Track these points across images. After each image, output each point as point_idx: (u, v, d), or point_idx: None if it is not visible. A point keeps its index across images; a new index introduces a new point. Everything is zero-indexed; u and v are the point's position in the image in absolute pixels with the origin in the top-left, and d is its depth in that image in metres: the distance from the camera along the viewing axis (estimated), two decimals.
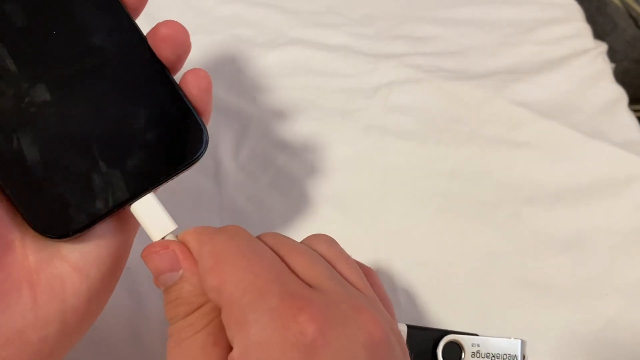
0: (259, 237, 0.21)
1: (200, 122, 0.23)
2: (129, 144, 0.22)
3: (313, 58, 0.43)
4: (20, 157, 0.20)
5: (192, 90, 0.22)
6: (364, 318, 0.18)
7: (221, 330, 0.18)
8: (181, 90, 0.23)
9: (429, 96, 0.42)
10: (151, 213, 0.21)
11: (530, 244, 0.35)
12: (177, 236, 0.21)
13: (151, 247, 0.20)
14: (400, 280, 0.33)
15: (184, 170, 0.23)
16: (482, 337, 0.29)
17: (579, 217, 0.36)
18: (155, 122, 0.22)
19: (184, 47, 0.22)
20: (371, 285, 0.22)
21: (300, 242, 0.22)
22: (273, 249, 0.20)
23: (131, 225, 0.23)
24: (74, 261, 0.21)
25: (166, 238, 0.21)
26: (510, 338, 0.29)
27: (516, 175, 0.38)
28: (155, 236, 0.21)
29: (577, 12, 0.48)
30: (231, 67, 0.42)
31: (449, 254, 0.34)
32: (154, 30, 0.22)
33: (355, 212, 0.36)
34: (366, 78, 0.42)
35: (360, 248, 0.35)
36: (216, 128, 0.39)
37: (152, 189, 0.22)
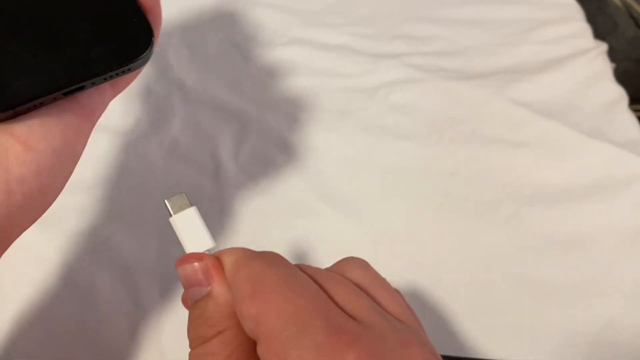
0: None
1: (147, 21, 0.22)
2: (70, 31, 0.21)
3: (313, 58, 0.43)
4: None
5: None
6: (413, 354, 0.17)
7: (247, 352, 0.18)
8: None
9: (429, 96, 0.42)
10: (190, 227, 0.21)
11: (531, 244, 0.35)
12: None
13: (186, 257, 0.20)
14: (401, 280, 0.33)
15: (125, 68, 0.21)
16: None
17: (579, 217, 0.36)
18: (97, 11, 0.21)
19: None
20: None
21: (332, 266, 0.21)
22: (312, 278, 0.19)
23: (88, 111, 0.22)
24: (18, 134, 0.20)
25: None
26: None
27: (516, 175, 0.38)
28: (190, 251, 0.21)
29: (578, 12, 0.48)
30: (231, 67, 0.42)
31: (449, 254, 0.34)
32: None
33: (355, 212, 0.36)
34: (366, 78, 0.42)
35: (360, 248, 0.35)
36: (216, 128, 0.39)
37: (87, 82, 0.21)
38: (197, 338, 0.18)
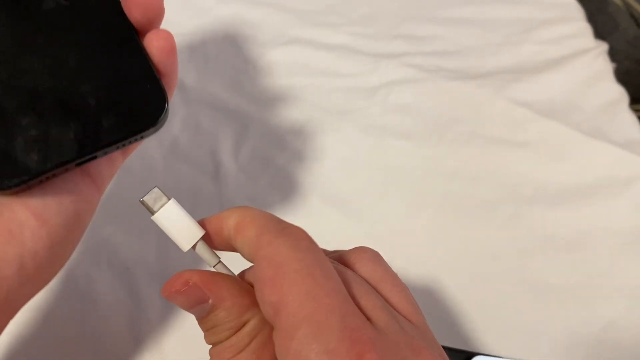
0: None
1: (162, 89, 0.21)
2: (81, 102, 0.20)
3: (313, 58, 0.43)
4: None
5: (153, 51, 0.22)
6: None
7: (265, 346, 0.18)
8: (145, 54, 0.21)
9: (430, 96, 0.42)
10: (175, 220, 0.20)
11: (531, 244, 0.35)
12: (226, 213, 0.20)
13: (170, 285, 0.19)
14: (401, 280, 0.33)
15: (138, 136, 0.21)
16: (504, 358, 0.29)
17: (579, 217, 0.36)
18: (111, 83, 0.21)
19: (157, 9, 0.22)
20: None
21: (341, 257, 0.21)
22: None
23: (98, 182, 0.23)
24: (33, 208, 0.20)
25: (197, 246, 0.20)
26: None
27: (517, 175, 0.38)
28: (184, 246, 0.20)
29: (578, 11, 0.48)
30: (231, 66, 0.42)
31: (450, 254, 0.34)
32: None
33: (355, 212, 0.36)
34: (366, 78, 0.42)
35: None
36: (216, 128, 0.39)
37: (100, 152, 0.21)
38: (217, 341, 0.18)
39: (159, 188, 0.20)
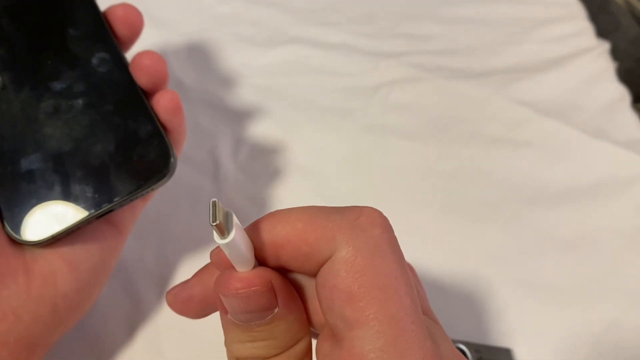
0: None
1: (167, 144, 0.24)
2: (95, 161, 0.23)
3: (313, 57, 0.43)
4: None
5: (160, 111, 0.24)
6: None
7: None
8: (152, 111, 0.24)
9: (430, 95, 0.41)
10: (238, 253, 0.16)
11: (532, 244, 0.35)
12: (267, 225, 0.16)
13: (239, 281, 0.15)
14: None
15: (148, 189, 0.23)
16: (484, 344, 0.29)
17: (581, 217, 0.36)
18: (122, 141, 0.23)
19: (161, 75, 0.24)
20: (417, 285, 0.19)
21: (339, 212, 0.18)
22: None
23: (121, 228, 0.25)
24: (64, 255, 0.23)
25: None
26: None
27: (518, 175, 0.38)
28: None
29: (580, 10, 0.48)
30: (231, 66, 0.42)
31: (450, 254, 0.34)
32: (134, 58, 0.24)
33: None
34: (366, 77, 0.42)
35: None
36: (216, 128, 0.39)
37: (116, 206, 0.23)
38: (259, 356, 0.16)
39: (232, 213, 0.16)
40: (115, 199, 0.23)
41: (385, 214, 0.37)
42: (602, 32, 0.48)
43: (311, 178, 0.37)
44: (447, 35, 0.45)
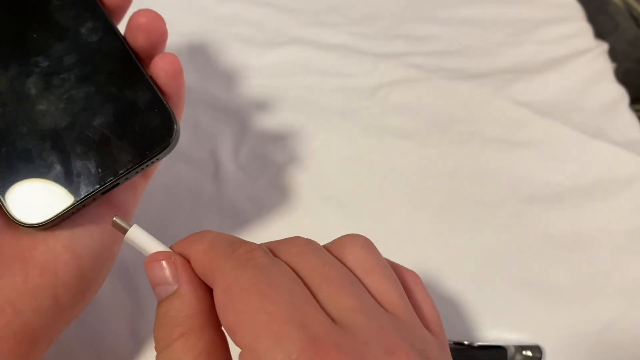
0: (275, 247, 0.19)
1: (169, 110, 0.22)
2: (95, 135, 0.22)
3: (313, 57, 0.43)
4: None
5: (160, 74, 0.23)
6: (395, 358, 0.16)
7: (214, 353, 0.17)
8: (150, 77, 0.23)
9: (430, 96, 0.41)
10: (143, 241, 0.20)
11: (531, 244, 0.35)
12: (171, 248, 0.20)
13: (155, 255, 0.19)
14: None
15: (153, 159, 0.22)
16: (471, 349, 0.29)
17: (580, 217, 0.36)
18: (122, 111, 0.22)
19: (159, 34, 0.23)
20: (415, 293, 0.20)
21: (333, 241, 0.20)
22: (293, 267, 0.18)
23: (123, 211, 0.24)
24: (65, 241, 0.22)
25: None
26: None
27: (517, 175, 0.38)
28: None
29: (578, 11, 0.48)
30: (231, 66, 0.42)
31: (450, 254, 0.34)
32: (129, 19, 0.23)
33: (355, 212, 0.36)
34: (366, 78, 0.42)
35: None
36: (216, 128, 0.39)
37: (120, 179, 0.22)
38: (161, 339, 0.18)
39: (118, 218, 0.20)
40: (120, 172, 0.22)
41: (384, 213, 0.38)
42: (600, 33, 0.48)
43: (311, 178, 0.37)
44: (446, 36, 0.46)
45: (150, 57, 0.23)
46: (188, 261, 0.19)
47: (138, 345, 0.30)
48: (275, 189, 0.36)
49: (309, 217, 0.35)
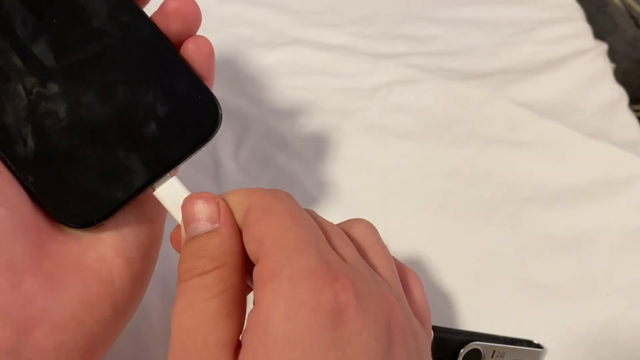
0: None
1: (212, 96, 0.22)
2: (142, 126, 0.21)
3: (313, 58, 0.43)
4: (35, 151, 0.20)
5: (195, 58, 0.22)
6: (387, 304, 0.18)
7: (235, 304, 0.18)
8: (189, 65, 0.22)
9: (429, 96, 0.42)
10: (175, 197, 0.21)
11: (531, 244, 0.35)
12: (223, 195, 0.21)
13: (199, 194, 0.20)
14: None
15: (200, 147, 0.22)
16: (503, 345, 0.29)
17: (579, 217, 0.36)
18: (166, 101, 0.22)
19: (194, 18, 0.22)
20: (411, 286, 0.22)
21: (341, 223, 0.22)
22: (315, 220, 0.20)
23: (162, 208, 0.23)
24: (115, 244, 0.21)
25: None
26: (531, 348, 0.29)
27: (516, 175, 0.38)
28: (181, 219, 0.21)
29: (578, 12, 0.48)
30: (231, 67, 0.42)
31: (449, 254, 0.34)
32: (162, 5, 0.22)
33: (355, 212, 0.36)
34: (366, 78, 0.42)
35: None
36: None
37: (171, 170, 0.21)
38: (192, 269, 0.18)
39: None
40: (172, 162, 0.21)
41: (384, 213, 0.38)
42: (600, 33, 0.48)
43: (311, 178, 0.37)
44: (446, 37, 0.46)
45: (180, 42, 0.23)
46: (227, 205, 0.20)
47: (138, 345, 0.30)
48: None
49: None
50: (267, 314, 0.16)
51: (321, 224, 0.20)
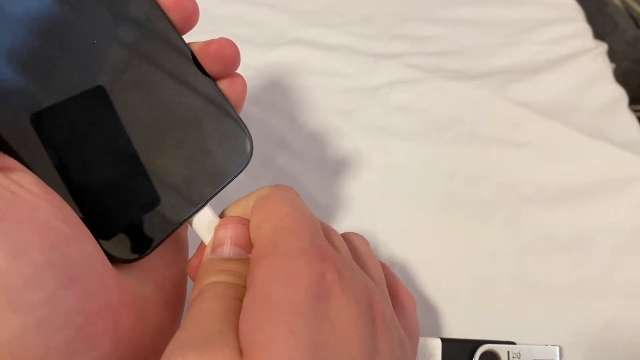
0: None
1: (245, 129, 0.23)
2: (186, 166, 0.22)
3: (313, 58, 0.43)
4: (87, 190, 0.20)
5: (232, 95, 0.23)
6: (369, 292, 0.19)
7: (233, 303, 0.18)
8: (227, 101, 0.23)
9: (429, 96, 0.42)
10: (209, 225, 0.22)
11: (531, 244, 0.35)
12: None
13: (237, 218, 0.22)
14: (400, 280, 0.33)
15: (234, 178, 0.23)
16: (518, 345, 0.29)
17: (579, 217, 0.36)
18: (208, 138, 0.23)
19: (234, 59, 0.23)
20: (402, 299, 0.24)
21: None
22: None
23: (182, 235, 0.24)
24: (152, 276, 0.21)
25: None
26: (547, 345, 0.29)
27: (516, 175, 0.38)
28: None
29: (577, 12, 0.48)
30: None
31: (449, 254, 0.34)
32: (210, 47, 0.23)
33: (355, 212, 0.36)
34: (366, 78, 0.42)
35: None
36: None
37: (208, 201, 0.22)
38: (216, 282, 0.19)
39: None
40: (210, 194, 0.22)
41: (384, 213, 0.37)
42: (599, 33, 0.48)
43: (311, 178, 0.37)
44: (446, 37, 0.46)
45: (222, 78, 0.24)
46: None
47: None
48: None
49: None
50: (265, 284, 0.17)
51: (320, 221, 0.21)
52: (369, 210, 0.36)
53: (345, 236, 0.24)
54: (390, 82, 0.42)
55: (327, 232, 0.21)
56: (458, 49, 0.45)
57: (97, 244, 0.19)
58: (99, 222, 0.20)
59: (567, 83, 0.43)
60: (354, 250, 0.23)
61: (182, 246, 0.24)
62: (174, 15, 0.22)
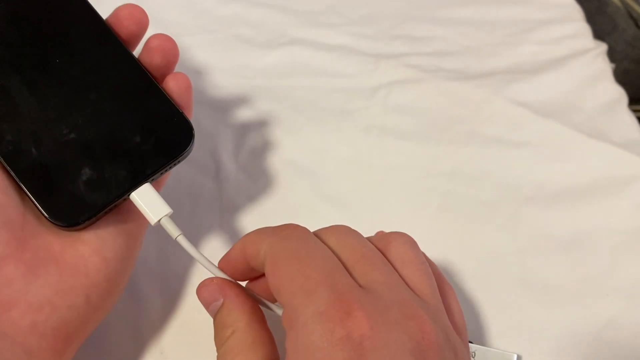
0: (321, 232, 0.23)
1: (186, 119, 0.26)
2: (125, 142, 0.25)
3: (313, 58, 0.43)
4: (33, 160, 0.24)
5: (174, 90, 0.26)
6: (415, 324, 0.18)
7: (257, 345, 0.20)
8: (167, 94, 0.26)
9: (429, 96, 0.42)
10: (148, 200, 0.24)
11: (530, 244, 0.35)
12: (242, 240, 0.24)
13: (202, 283, 0.23)
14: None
15: (175, 162, 0.26)
16: (473, 345, 0.29)
17: (579, 217, 0.36)
18: (146, 122, 0.26)
19: (174, 54, 0.27)
20: (448, 297, 0.23)
21: (379, 235, 0.24)
22: (333, 248, 0.21)
23: (141, 216, 0.26)
24: (93, 245, 0.24)
25: (162, 221, 0.24)
26: (504, 351, 0.29)
27: (516, 175, 0.38)
28: (153, 219, 0.24)
29: (577, 12, 0.48)
30: (232, 67, 0.42)
31: (449, 254, 0.34)
32: (147, 42, 0.26)
33: (355, 212, 0.36)
34: (366, 78, 0.42)
35: None
36: (216, 128, 0.39)
37: (148, 180, 0.25)
38: (219, 341, 0.21)
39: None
40: (148, 174, 0.25)
41: (385, 213, 0.38)
42: (599, 33, 0.48)
43: (311, 178, 0.37)
44: (446, 37, 0.46)
45: (163, 76, 0.27)
46: (227, 280, 0.23)
47: (138, 345, 0.30)
48: (276, 189, 0.36)
49: (309, 217, 0.35)
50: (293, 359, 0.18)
51: (346, 245, 0.21)
52: (368, 210, 0.36)
53: (388, 243, 0.23)
54: (390, 82, 0.42)
55: (355, 263, 0.21)
56: (458, 49, 0.45)
57: (11, 196, 0.23)
58: (42, 191, 0.23)
59: (567, 83, 0.43)
60: (397, 261, 0.22)
61: (135, 224, 0.26)
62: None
